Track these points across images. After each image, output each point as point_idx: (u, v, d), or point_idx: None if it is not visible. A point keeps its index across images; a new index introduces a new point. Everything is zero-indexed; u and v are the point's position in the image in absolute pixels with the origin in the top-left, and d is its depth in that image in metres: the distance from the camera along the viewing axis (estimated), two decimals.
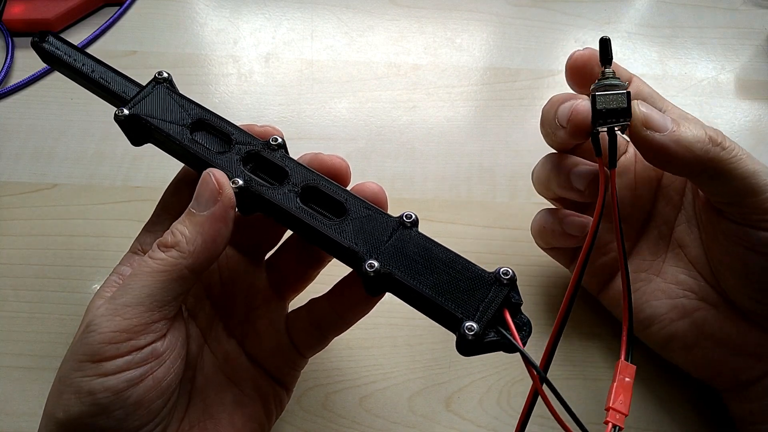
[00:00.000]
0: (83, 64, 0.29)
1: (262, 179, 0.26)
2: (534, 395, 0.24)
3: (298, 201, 0.26)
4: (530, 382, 0.33)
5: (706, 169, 0.26)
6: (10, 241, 0.38)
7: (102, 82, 0.29)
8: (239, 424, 0.27)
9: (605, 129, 0.26)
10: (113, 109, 0.29)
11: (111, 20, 0.49)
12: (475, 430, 0.32)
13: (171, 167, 0.41)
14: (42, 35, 0.30)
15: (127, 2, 0.50)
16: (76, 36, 0.48)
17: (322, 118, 0.45)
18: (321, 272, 0.31)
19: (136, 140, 0.29)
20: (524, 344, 0.22)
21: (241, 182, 0.25)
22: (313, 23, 0.50)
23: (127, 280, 0.23)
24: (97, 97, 0.30)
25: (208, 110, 0.28)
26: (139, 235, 0.27)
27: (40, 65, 0.45)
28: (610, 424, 0.25)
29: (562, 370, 0.34)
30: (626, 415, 0.25)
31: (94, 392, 0.22)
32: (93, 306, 0.24)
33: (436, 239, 0.25)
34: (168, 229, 0.25)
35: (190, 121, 0.28)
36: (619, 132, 0.27)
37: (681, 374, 0.33)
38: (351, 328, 0.32)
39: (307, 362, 0.30)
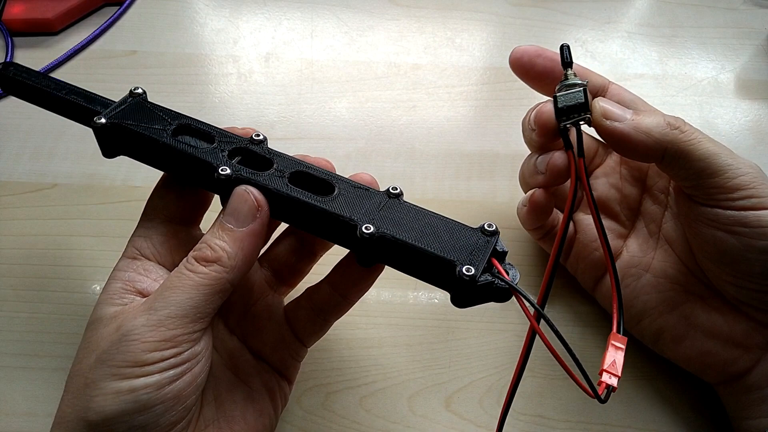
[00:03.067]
0: (54, 86, 0.29)
1: (249, 169, 0.27)
2: (532, 337, 0.25)
3: (287, 183, 0.26)
4: (531, 383, 0.34)
5: (666, 152, 0.28)
6: (10, 241, 0.38)
7: (72, 99, 0.29)
8: (251, 420, 0.27)
9: (570, 124, 0.30)
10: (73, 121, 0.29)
11: (111, 20, 0.49)
12: (475, 430, 0.32)
13: None
14: (5, 65, 0.30)
15: (127, 2, 0.50)
16: (76, 36, 0.48)
17: (322, 118, 0.45)
18: (312, 270, 0.31)
19: (110, 151, 0.28)
20: (514, 284, 0.24)
21: (228, 171, 0.26)
22: (313, 23, 0.50)
23: (165, 292, 0.24)
24: None
25: (188, 116, 0.28)
26: (134, 240, 0.27)
27: (40, 65, 0.45)
28: (603, 384, 0.26)
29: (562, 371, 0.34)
30: (619, 378, 0.26)
31: (136, 389, 0.22)
32: (105, 314, 0.24)
33: None
34: (162, 233, 0.27)
35: (171, 127, 0.28)
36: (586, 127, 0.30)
37: (679, 373, 0.33)
38: (351, 328, 0.33)
39: (307, 352, 0.31)
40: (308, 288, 0.30)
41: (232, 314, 0.29)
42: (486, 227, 0.25)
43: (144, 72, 0.46)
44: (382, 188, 0.27)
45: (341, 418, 0.32)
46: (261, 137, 0.28)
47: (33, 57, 0.46)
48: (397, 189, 0.27)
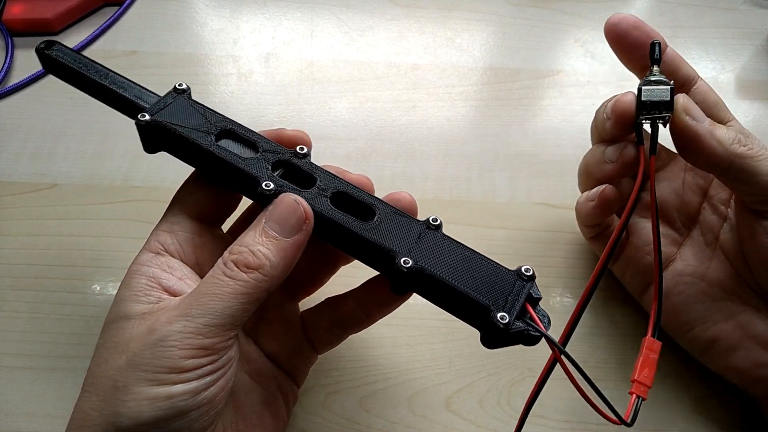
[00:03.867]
0: (95, 72, 0.29)
1: (292, 185, 0.27)
2: (550, 369, 0.26)
3: (329, 203, 0.26)
4: (530, 384, 0.34)
5: (732, 165, 0.28)
6: (10, 241, 0.38)
7: (116, 90, 0.28)
8: (268, 422, 0.28)
9: (648, 120, 0.29)
10: (113, 109, 0.28)
11: (111, 20, 0.49)
12: (475, 430, 0.32)
13: (171, 168, 0.41)
14: (48, 43, 0.29)
15: (127, 2, 0.50)
16: (76, 36, 0.48)
17: (322, 118, 0.45)
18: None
19: (152, 147, 0.28)
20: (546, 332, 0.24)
21: (272, 186, 0.26)
22: (313, 23, 0.50)
23: (202, 298, 0.23)
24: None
25: (233, 120, 0.28)
26: (158, 234, 0.27)
27: (40, 65, 0.45)
28: (634, 395, 0.26)
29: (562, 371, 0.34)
30: (649, 388, 0.27)
31: (173, 396, 0.22)
32: (131, 311, 0.24)
33: None
34: (189, 230, 0.26)
35: (215, 130, 0.27)
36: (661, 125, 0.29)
37: (678, 374, 0.33)
38: None
39: (317, 359, 0.31)
40: (330, 299, 0.30)
41: (249, 318, 0.29)
42: (524, 271, 0.25)
43: (144, 72, 0.46)
44: (422, 217, 0.27)
45: (341, 418, 0.32)
46: (305, 150, 0.28)
47: (33, 57, 0.46)
48: (437, 220, 0.26)
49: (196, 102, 0.29)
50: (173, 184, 0.40)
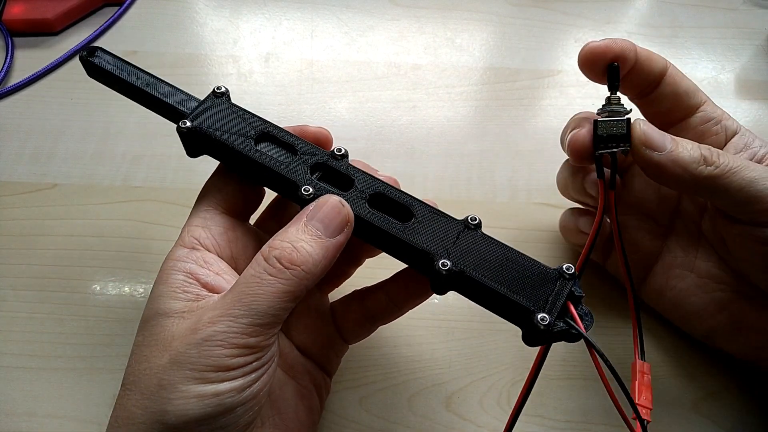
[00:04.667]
0: (137, 78, 0.29)
1: (331, 187, 0.27)
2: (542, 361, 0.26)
3: (367, 206, 0.26)
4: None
5: (701, 187, 0.27)
6: (10, 241, 0.38)
7: (158, 96, 0.29)
8: (303, 416, 0.28)
9: (607, 153, 0.28)
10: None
11: (111, 20, 0.49)
12: (475, 430, 0.32)
13: (171, 168, 0.41)
14: (91, 50, 0.30)
15: (127, 2, 0.50)
16: (76, 36, 0.48)
17: (322, 118, 0.45)
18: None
19: (194, 152, 0.29)
20: (587, 332, 0.24)
21: (311, 190, 0.26)
22: (313, 23, 0.50)
23: (245, 299, 0.23)
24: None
25: (270, 122, 0.29)
26: (191, 229, 0.26)
27: (40, 65, 0.45)
28: (638, 422, 0.27)
29: (562, 371, 0.34)
30: (651, 409, 0.27)
31: (220, 393, 0.22)
32: (171, 308, 0.24)
33: None
34: (221, 224, 0.27)
35: (254, 133, 0.28)
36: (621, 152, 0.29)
37: (678, 372, 0.33)
38: None
39: (348, 349, 0.31)
40: (359, 291, 0.30)
41: None
42: (565, 270, 0.25)
43: None
44: (460, 216, 0.26)
45: (341, 419, 0.32)
46: (342, 152, 0.28)
47: (33, 57, 0.46)
48: (476, 219, 0.26)
49: (235, 105, 0.29)
50: (173, 184, 0.40)
